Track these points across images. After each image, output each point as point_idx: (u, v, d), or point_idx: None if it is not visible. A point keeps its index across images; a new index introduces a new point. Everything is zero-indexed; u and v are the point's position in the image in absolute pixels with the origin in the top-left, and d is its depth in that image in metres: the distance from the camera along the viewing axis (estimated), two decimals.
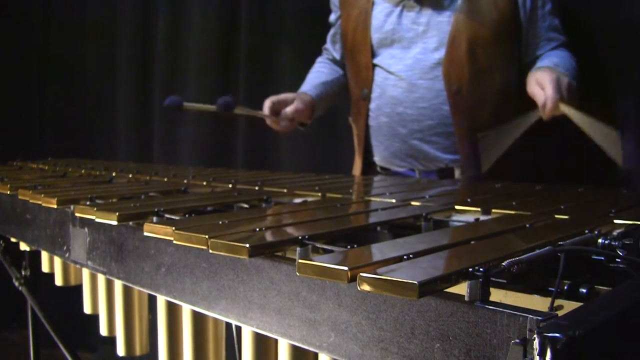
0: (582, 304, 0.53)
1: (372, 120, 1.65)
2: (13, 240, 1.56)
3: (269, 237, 0.76)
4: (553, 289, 0.56)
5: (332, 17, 1.81)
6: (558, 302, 0.59)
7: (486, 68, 1.53)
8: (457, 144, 1.54)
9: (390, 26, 1.59)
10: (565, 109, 1.33)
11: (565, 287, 0.61)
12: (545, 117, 1.37)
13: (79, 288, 1.35)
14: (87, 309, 1.32)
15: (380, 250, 0.69)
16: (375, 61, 1.62)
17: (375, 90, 1.63)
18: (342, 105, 1.90)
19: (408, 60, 1.56)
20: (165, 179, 1.46)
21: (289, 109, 1.68)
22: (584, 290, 0.61)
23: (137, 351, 1.18)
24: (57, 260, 1.42)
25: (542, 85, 1.37)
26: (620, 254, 0.67)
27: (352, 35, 1.68)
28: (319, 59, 1.90)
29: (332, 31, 1.84)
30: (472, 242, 0.69)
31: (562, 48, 1.57)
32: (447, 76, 1.52)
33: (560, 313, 0.49)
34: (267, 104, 1.67)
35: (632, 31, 1.64)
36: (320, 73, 1.85)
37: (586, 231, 0.73)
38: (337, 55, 1.84)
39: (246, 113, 1.73)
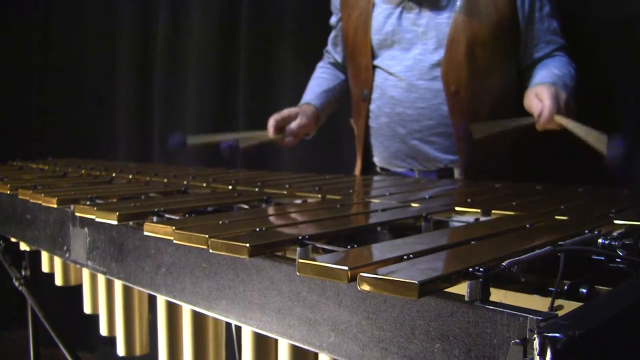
0: (582, 304, 0.53)
1: (372, 120, 1.65)
2: (13, 240, 1.56)
3: (269, 237, 0.76)
4: (553, 289, 0.56)
5: (333, 20, 1.81)
6: (558, 302, 0.59)
7: (485, 69, 1.53)
8: (455, 144, 1.54)
9: (390, 27, 1.59)
10: (561, 121, 1.34)
11: (565, 287, 0.61)
12: (540, 127, 1.37)
13: (79, 288, 1.35)
14: (87, 309, 1.32)
15: (380, 250, 0.69)
16: (376, 62, 1.62)
17: (375, 91, 1.63)
18: (343, 106, 1.90)
19: (408, 61, 1.56)
20: (165, 180, 1.46)
21: (293, 125, 1.67)
22: (584, 290, 0.61)
23: (137, 351, 1.18)
24: (57, 260, 1.42)
25: (540, 98, 1.38)
26: (620, 254, 0.67)
27: (353, 36, 1.68)
28: (320, 64, 1.89)
29: (333, 34, 1.83)
30: (472, 242, 0.69)
31: (561, 52, 1.57)
32: (445, 77, 1.52)
33: (560, 313, 0.49)
34: (272, 123, 1.65)
35: (631, 32, 1.64)
36: (322, 80, 1.84)
37: (586, 231, 0.73)
38: (339, 58, 1.84)
39: (251, 141, 1.72)
